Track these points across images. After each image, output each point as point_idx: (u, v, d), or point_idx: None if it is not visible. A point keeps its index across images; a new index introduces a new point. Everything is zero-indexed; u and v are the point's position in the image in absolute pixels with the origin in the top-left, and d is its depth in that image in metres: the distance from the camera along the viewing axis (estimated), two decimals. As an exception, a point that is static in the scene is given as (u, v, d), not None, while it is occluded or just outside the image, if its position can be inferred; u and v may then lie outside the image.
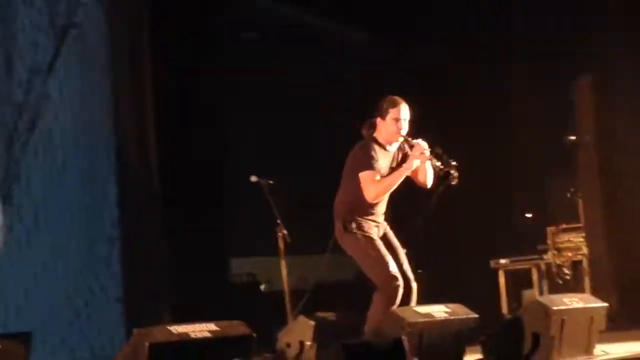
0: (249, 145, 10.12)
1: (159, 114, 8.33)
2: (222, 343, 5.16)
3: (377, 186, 6.05)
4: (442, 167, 6.05)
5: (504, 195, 10.36)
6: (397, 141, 6.19)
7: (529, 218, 10.10)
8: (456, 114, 9.70)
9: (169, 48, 8.68)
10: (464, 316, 5.87)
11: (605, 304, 6.26)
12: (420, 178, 6.18)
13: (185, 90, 9.03)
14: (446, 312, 5.82)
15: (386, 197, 6.21)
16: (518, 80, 10.50)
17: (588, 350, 6.05)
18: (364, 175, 6.07)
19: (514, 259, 9.54)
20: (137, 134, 8.16)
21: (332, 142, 9.48)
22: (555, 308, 5.92)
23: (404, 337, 5.19)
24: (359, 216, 6.12)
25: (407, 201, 6.42)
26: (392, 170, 6.15)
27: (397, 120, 6.13)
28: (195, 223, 8.96)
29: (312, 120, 10.22)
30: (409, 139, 6.15)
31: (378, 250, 6.05)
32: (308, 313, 6.97)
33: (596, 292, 8.00)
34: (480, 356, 6.05)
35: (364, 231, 6.10)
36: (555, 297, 6.37)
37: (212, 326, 5.20)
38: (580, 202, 9.48)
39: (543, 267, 9.38)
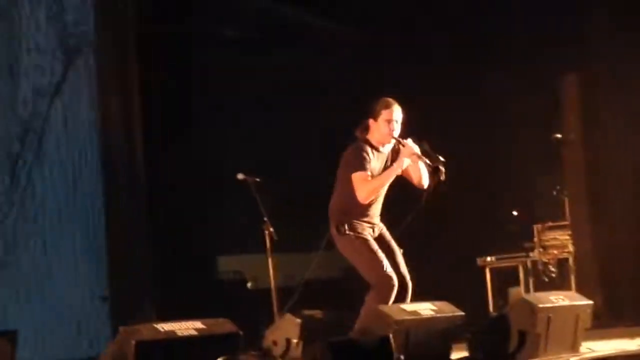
0: (236, 143, 10.11)
1: (145, 112, 8.31)
2: (209, 341, 5.16)
3: (368, 186, 6.07)
4: (430, 163, 6.08)
5: (490, 193, 10.37)
6: (389, 142, 6.20)
7: (515, 216, 10.13)
8: (443, 114, 9.71)
9: (155, 48, 8.67)
10: (451, 314, 5.87)
11: (591, 302, 6.28)
12: (415, 179, 6.20)
13: (172, 89, 9.01)
14: (433, 310, 5.82)
15: (380, 198, 6.23)
16: (504, 80, 10.52)
17: (574, 348, 6.07)
18: (355, 176, 6.09)
19: (501, 256, 9.56)
20: (124, 132, 8.14)
21: (320, 140, 9.50)
22: (541, 306, 5.94)
23: (390, 335, 5.20)
24: (353, 218, 6.14)
25: (397, 198, 6.42)
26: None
27: (389, 121, 6.15)
28: (182, 221, 8.95)
29: (300, 118, 10.21)
30: (400, 139, 6.17)
31: (372, 251, 6.07)
32: (294, 311, 6.98)
33: (582, 290, 8.03)
34: (466, 354, 6.06)
35: (357, 232, 6.13)
36: (542, 295, 6.39)
37: (198, 324, 5.20)
38: (566, 199, 9.51)
39: (529, 264, 9.40)
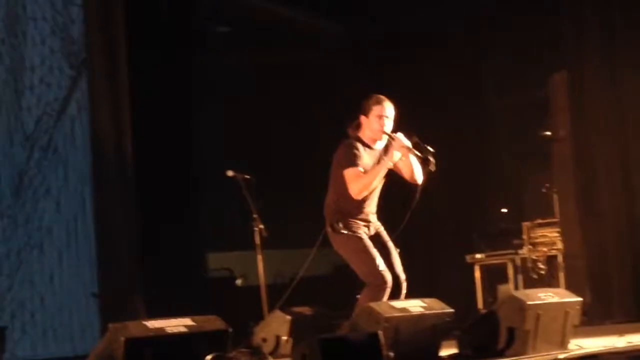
0: (226, 140, 10.10)
1: (135, 108, 8.29)
2: (198, 338, 5.15)
3: (360, 181, 6.09)
4: (420, 155, 6.10)
5: (480, 191, 10.39)
6: (380, 139, 6.22)
7: (504, 213, 10.15)
8: (432, 111, 9.72)
9: (143, 43, 8.66)
10: (440, 311, 5.88)
11: (580, 299, 6.29)
12: (406, 174, 6.21)
13: (161, 86, 8.99)
14: (422, 307, 5.83)
15: (374, 195, 6.24)
16: (494, 78, 10.55)
17: (563, 345, 6.08)
18: (347, 172, 6.11)
19: (490, 253, 9.58)
20: (114, 129, 8.12)
21: (311, 137, 9.50)
22: (530, 303, 5.95)
23: (379, 332, 5.20)
24: (347, 215, 6.16)
25: (391, 194, 6.43)
26: None
27: (380, 117, 6.17)
28: (172, 218, 8.94)
29: (289, 115, 10.21)
30: (391, 133, 6.18)
31: (366, 249, 6.09)
32: (284, 308, 6.99)
33: (570, 287, 8.05)
34: (455, 350, 6.07)
35: (351, 230, 6.14)
36: (531, 292, 6.40)
37: (188, 321, 5.19)
38: (555, 197, 9.53)
39: (518, 261, 9.42)
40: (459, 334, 6.10)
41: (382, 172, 6.16)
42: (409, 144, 6.13)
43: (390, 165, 6.18)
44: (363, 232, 6.17)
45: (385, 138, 6.21)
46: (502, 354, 5.89)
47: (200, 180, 9.67)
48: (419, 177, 6.19)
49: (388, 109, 6.20)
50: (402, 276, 6.17)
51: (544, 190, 9.61)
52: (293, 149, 10.05)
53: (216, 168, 7.86)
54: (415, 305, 5.84)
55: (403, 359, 5.49)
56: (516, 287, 9.28)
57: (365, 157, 6.16)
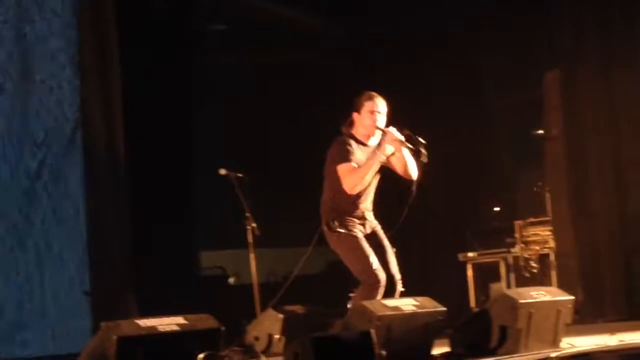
0: (218, 138, 10.09)
1: (127, 108, 8.27)
2: (191, 336, 5.15)
3: (353, 175, 6.10)
4: (412, 147, 6.12)
5: (472, 189, 10.40)
6: (373, 134, 6.24)
7: (497, 212, 10.16)
8: (425, 109, 9.73)
9: (136, 42, 8.65)
10: (432, 309, 5.89)
11: (572, 297, 6.30)
12: (399, 169, 6.23)
13: (154, 85, 8.99)
14: (414, 305, 5.84)
15: (370, 192, 6.25)
16: (487, 77, 10.56)
17: (555, 343, 6.09)
18: (340, 168, 6.13)
19: (482, 252, 9.60)
20: (105, 126, 8.10)
21: (310, 137, 9.49)
22: (522, 301, 5.96)
23: (372, 330, 5.21)
24: (342, 214, 6.17)
25: (386, 191, 6.44)
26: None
27: (373, 112, 6.21)
28: (164, 216, 8.93)
29: (282, 114, 10.20)
30: (383, 128, 6.20)
31: (361, 248, 6.10)
32: (277, 306, 6.98)
33: (563, 285, 8.06)
34: (448, 349, 6.08)
35: (347, 229, 6.16)
36: (523, 290, 6.40)
37: (180, 320, 5.18)
38: (547, 195, 9.55)
39: (511, 260, 9.44)
40: (452, 332, 6.11)
41: (376, 166, 6.17)
42: (401, 137, 6.15)
43: (383, 158, 6.19)
44: (359, 231, 6.18)
45: (378, 134, 6.22)
46: (494, 353, 5.90)
47: (192, 179, 9.67)
48: (414, 172, 6.21)
49: (380, 105, 6.24)
50: (397, 276, 6.18)
51: (536, 189, 9.63)
52: (292, 148, 10.05)
53: (209, 166, 7.85)
54: (408, 304, 5.84)
55: (395, 357, 5.49)
56: (508, 286, 9.29)
57: (359, 154, 6.17)
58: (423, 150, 6.09)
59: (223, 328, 5.27)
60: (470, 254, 9.60)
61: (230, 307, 7.68)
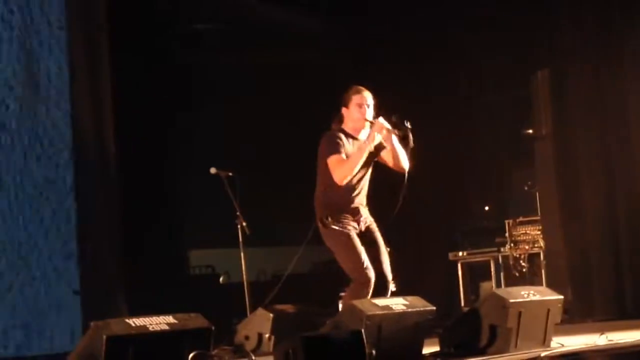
0: (208, 137, 10.08)
1: (117, 108, 8.26)
2: (181, 336, 5.13)
3: (343, 166, 6.12)
4: (399, 133, 6.14)
5: (462, 188, 10.42)
6: (363, 127, 6.28)
7: (487, 211, 10.18)
8: (416, 108, 9.72)
9: (126, 42, 8.63)
10: (422, 308, 5.88)
11: (562, 297, 6.31)
12: (391, 162, 6.24)
13: (144, 85, 8.98)
14: (404, 305, 5.83)
15: (363, 186, 6.26)
16: (477, 76, 10.57)
17: (545, 343, 6.10)
18: (330, 160, 6.16)
19: (472, 251, 9.62)
20: (95, 127, 8.09)
21: (303, 136, 9.47)
22: (512, 300, 5.96)
23: (362, 330, 5.21)
24: (335, 209, 6.18)
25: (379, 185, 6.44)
26: (365, 160, 6.20)
27: (361, 105, 6.26)
28: (154, 215, 8.92)
29: (282, 114, 10.19)
30: (371, 119, 6.23)
31: (352, 246, 6.12)
32: (267, 305, 6.98)
33: (552, 285, 8.08)
34: (438, 348, 6.08)
35: (340, 226, 6.16)
36: (513, 290, 6.40)
37: (170, 319, 5.17)
38: (537, 195, 9.56)
39: (500, 259, 9.46)
40: (441, 331, 6.12)
41: (364, 155, 6.17)
42: (388, 125, 6.17)
43: (371, 148, 6.21)
44: (352, 228, 6.18)
45: (367, 125, 6.24)
46: (484, 352, 5.90)
47: (183, 178, 9.65)
48: (405, 164, 6.22)
49: (368, 98, 6.30)
50: (389, 276, 6.19)
51: (526, 188, 9.65)
52: (292, 148, 10.03)
53: (199, 165, 7.85)
54: (398, 303, 5.84)
55: (386, 356, 5.49)
56: (498, 285, 9.31)
57: (349, 147, 6.20)
58: (410, 135, 6.11)
59: (213, 327, 5.26)
60: (460, 253, 9.62)
61: (220, 306, 7.68)
